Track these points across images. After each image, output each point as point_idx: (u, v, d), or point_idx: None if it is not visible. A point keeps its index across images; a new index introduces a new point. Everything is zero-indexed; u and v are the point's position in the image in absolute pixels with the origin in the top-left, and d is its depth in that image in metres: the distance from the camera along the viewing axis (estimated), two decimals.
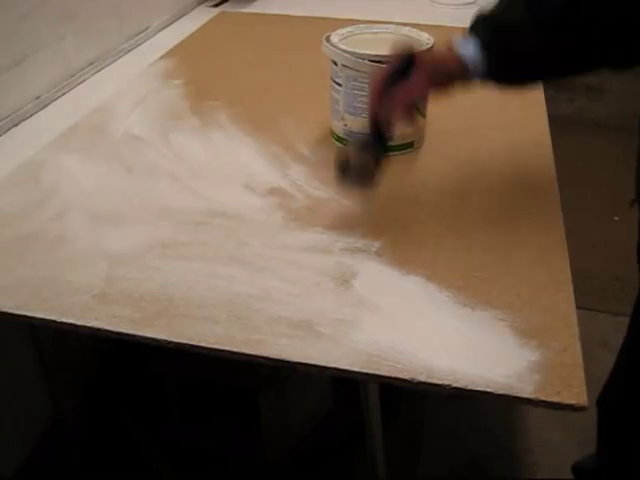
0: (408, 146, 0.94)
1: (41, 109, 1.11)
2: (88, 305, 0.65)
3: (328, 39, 0.92)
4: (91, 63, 1.26)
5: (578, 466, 1.24)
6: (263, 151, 0.94)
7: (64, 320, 0.63)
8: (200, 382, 1.26)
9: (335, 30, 0.94)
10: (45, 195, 0.84)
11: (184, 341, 0.61)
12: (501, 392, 0.55)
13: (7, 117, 1.04)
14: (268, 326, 0.62)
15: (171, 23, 1.56)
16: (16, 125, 1.05)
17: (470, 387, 0.56)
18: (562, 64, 0.69)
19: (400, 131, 0.91)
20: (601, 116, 2.80)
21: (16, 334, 1.15)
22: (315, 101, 1.07)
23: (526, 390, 0.55)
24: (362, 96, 0.89)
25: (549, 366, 0.57)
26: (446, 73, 0.71)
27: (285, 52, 1.35)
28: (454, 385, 0.56)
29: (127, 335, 0.62)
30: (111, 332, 0.62)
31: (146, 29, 1.46)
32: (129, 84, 1.18)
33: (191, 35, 1.45)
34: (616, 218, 2.05)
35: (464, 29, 0.71)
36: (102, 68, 1.28)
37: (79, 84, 1.21)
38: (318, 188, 0.85)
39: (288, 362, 0.59)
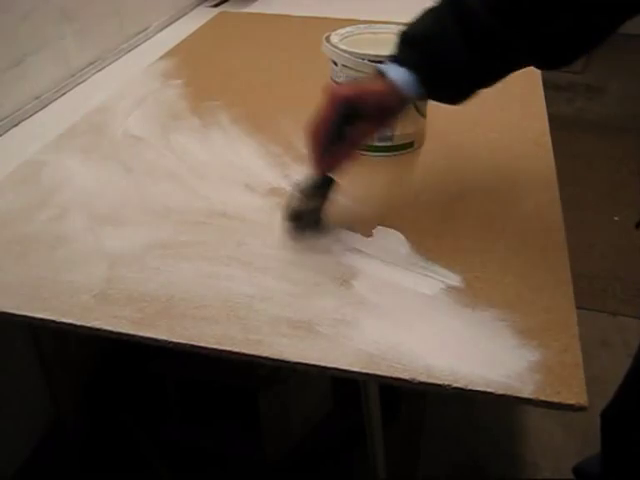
0: (408, 146, 0.94)
1: (41, 109, 1.11)
2: (88, 305, 0.65)
3: (328, 39, 0.92)
4: (91, 63, 1.26)
5: (579, 468, 1.24)
6: (263, 151, 0.95)
7: (64, 320, 0.63)
8: (200, 382, 1.26)
9: (335, 30, 0.94)
10: (45, 195, 0.84)
11: (184, 341, 0.61)
12: (501, 392, 0.55)
13: (7, 117, 1.04)
14: (268, 326, 0.62)
15: (171, 23, 1.56)
16: (16, 125, 1.05)
17: (470, 387, 0.56)
18: (491, 73, 0.68)
19: (400, 131, 0.91)
20: (601, 116, 2.80)
21: (16, 334, 1.15)
22: (315, 101, 1.07)
23: (526, 390, 0.55)
24: None
25: (549, 366, 0.57)
26: (388, 110, 0.68)
27: (285, 52, 1.35)
28: (454, 385, 0.56)
29: (127, 335, 0.62)
30: (111, 332, 0.62)
31: (146, 29, 1.46)
32: (129, 84, 1.18)
33: (191, 35, 1.45)
34: (616, 218, 2.05)
35: None
36: (102, 68, 1.28)
37: (79, 84, 1.21)
38: None
39: (288, 362, 0.59)
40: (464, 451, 1.36)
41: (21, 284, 0.68)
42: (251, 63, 1.29)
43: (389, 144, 0.92)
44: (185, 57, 1.31)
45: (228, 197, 0.83)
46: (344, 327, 0.62)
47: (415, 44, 0.67)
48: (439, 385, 0.56)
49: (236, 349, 0.60)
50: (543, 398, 0.55)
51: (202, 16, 1.59)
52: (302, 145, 0.96)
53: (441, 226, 0.77)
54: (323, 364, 0.58)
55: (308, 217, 0.74)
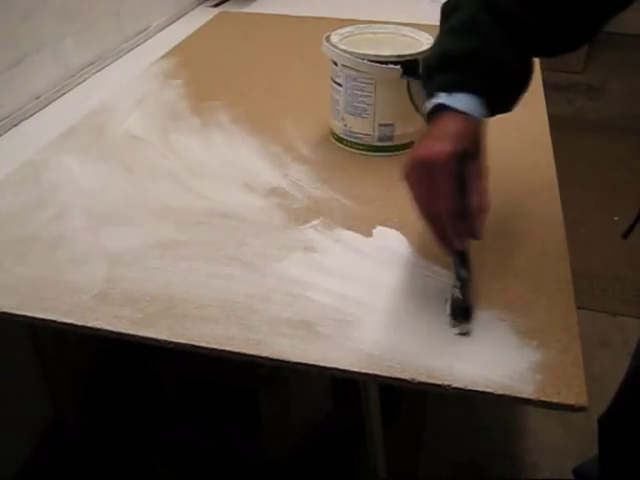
0: (408, 146, 0.94)
1: (41, 109, 1.11)
2: (88, 305, 0.65)
3: (328, 39, 0.92)
4: (91, 63, 1.26)
5: (579, 470, 1.23)
6: (263, 151, 0.95)
7: (64, 320, 0.63)
8: (200, 382, 1.26)
9: (335, 30, 0.94)
10: (45, 195, 0.84)
11: (184, 341, 0.61)
12: (501, 392, 0.55)
13: (7, 117, 1.04)
14: (268, 326, 0.62)
15: (171, 23, 1.56)
16: (16, 125, 1.05)
17: (470, 387, 0.56)
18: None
19: (400, 131, 0.91)
20: (601, 116, 2.80)
21: (16, 334, 1.15)
22: (315, 101, 1.07)
23: (526, 390, 0.55)
24: (362, 96, 0.89)
25: (549, 366, 0.57)
26: (480, 139, 0.63)
27: (285, 52, 1.35)
28: (454, 385, 0.56)
29: (127, 335, 0.62)
30: (111, 332, 0.62)
31: (146, 29, 1.46)
32: (129, 84, 1.18)
33: (191, 35, 1.45)
34: (616, 218, 2.04)
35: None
36: (102, 68, 1.28)
37: (79, 84, 1.21)
38: (318, 188, 0.85)
39: (288, 362, 0.59)
40: (464, 451, 1.36)
41: (21, 284, 0.68)
42: (251, 63, 1.29)
43: (389, 144, 0.92)
44: (185, 57, 1.31)
45: (228, 197, 0.83)
46: (344, 327, 0.62)
47: (467, 65, 0.62)
48: (439, 385, 0.56)
49: (236, 349, 0.60)
50: (543, 398, 0.55)
51: (202, 16, 1.59)
52: (302, 145, 0.96)
53: None
54: (323, 364, 0.58)
55: (471, 308, 0.63)
